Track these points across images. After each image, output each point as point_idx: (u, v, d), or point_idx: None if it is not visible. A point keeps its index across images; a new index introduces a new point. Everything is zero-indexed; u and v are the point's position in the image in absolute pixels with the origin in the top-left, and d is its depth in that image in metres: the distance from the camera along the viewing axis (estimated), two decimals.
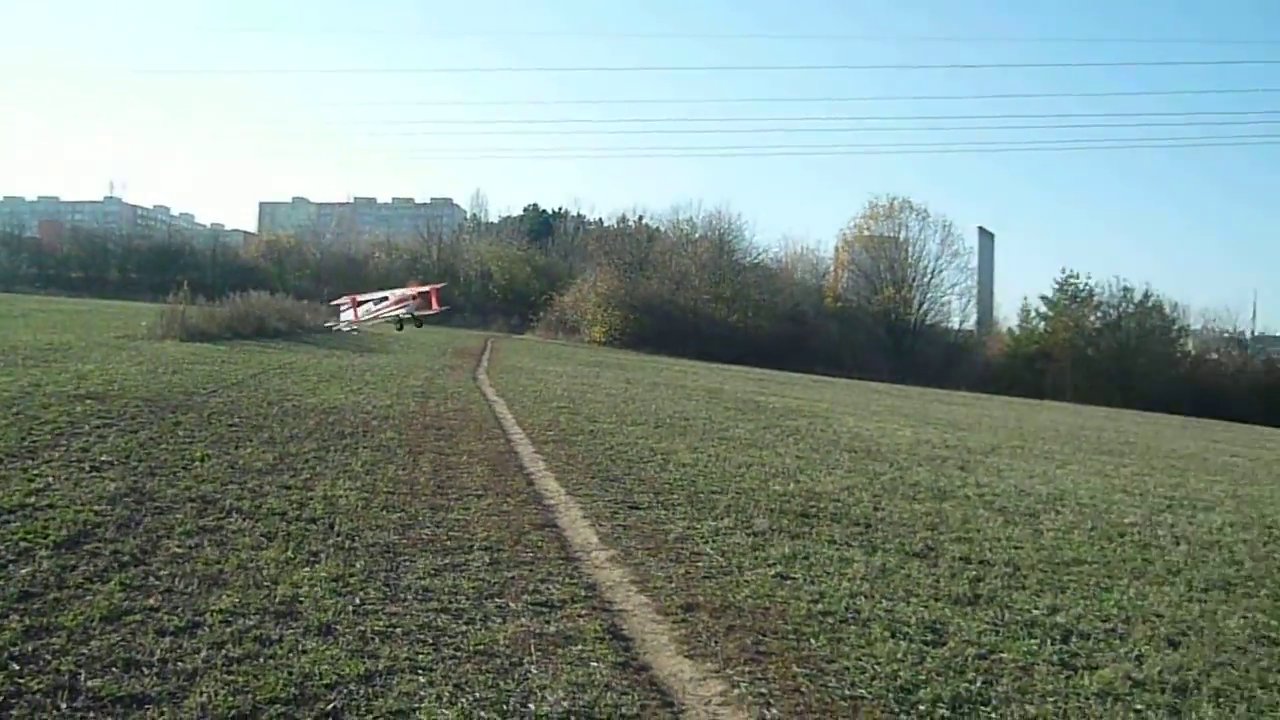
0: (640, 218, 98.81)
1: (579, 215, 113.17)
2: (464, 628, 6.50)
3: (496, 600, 7.16)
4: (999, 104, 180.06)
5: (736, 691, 5.91)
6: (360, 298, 39.94)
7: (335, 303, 42.54)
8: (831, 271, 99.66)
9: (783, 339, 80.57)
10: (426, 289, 41.10)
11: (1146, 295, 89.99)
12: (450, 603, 6.99)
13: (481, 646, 6.19)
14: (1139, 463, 23.04)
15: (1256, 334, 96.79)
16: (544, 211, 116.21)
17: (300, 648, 5.88)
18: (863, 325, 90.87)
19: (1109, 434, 34.11)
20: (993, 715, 5.85)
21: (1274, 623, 8.60)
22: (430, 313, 40.50)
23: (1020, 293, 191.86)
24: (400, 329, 41.80)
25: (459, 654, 6.03)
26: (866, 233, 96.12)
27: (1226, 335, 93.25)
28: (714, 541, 9.61)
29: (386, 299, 39.46)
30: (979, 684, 6.28)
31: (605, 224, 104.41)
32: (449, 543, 8.69)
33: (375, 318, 38.87)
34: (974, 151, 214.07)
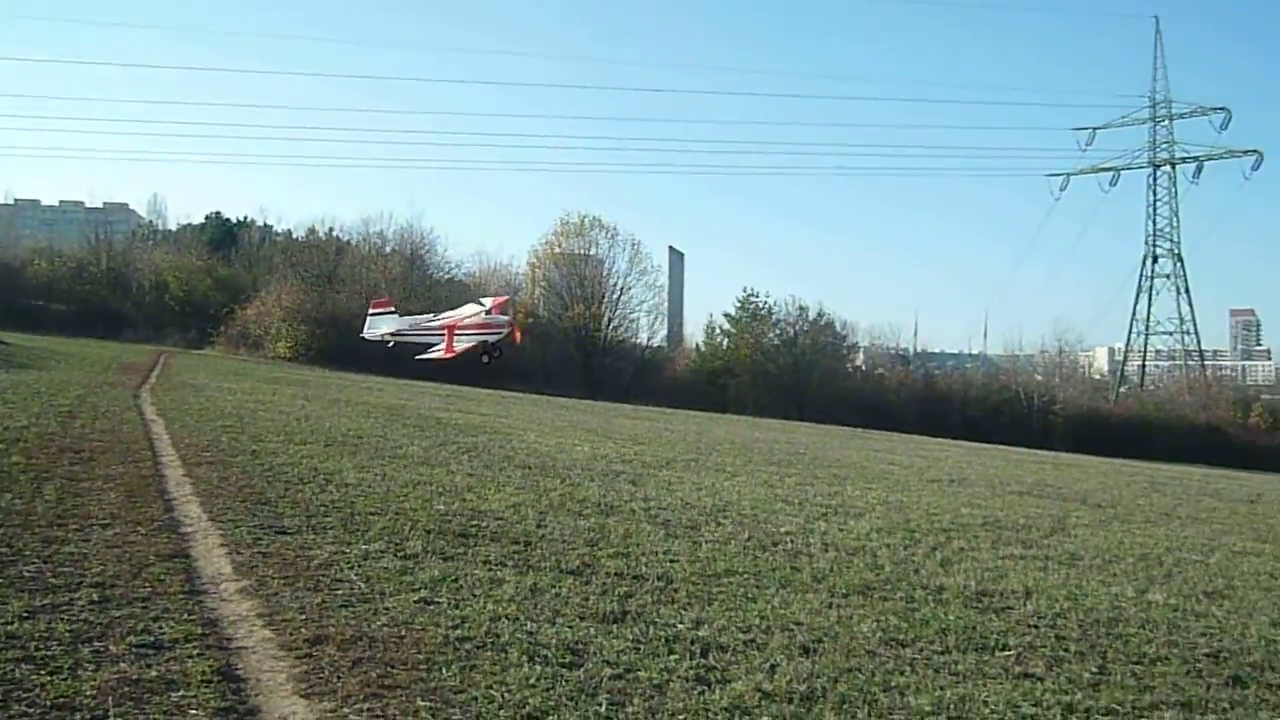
0: (330, 229, 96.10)
1: (266, 225, 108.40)
2: (47, 679, 5.76)
3: (95, 644, 6.42)
4: (697, 129, 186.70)
5: None
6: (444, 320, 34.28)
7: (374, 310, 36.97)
8: (524, 288, 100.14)
9: (474, 355, 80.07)
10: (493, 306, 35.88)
11: (820, 314, 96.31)
12: (38, 650, 6.21)
13: (63, 699, 5.49)
14: (803, 472, 24.11)
15: (918, 350, 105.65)
16: (227, 220, 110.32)
17: None
18: (554, 341, 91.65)
19: (781, 445, 35.73)
20: None
21: (904, 625, 8.94)
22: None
23: (710, 310, 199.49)
24: (488, 362, 36.50)
25: (32, 710, 5.32)
26: (558, 250, 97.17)
27: (891, 351, 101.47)
28: (360, 567, 9.12)
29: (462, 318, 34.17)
30: (607, 707, 6.15)
31: (294, 235, 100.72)
32: (54, 580, 7.80)
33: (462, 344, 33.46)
34: (667, 172, 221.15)
